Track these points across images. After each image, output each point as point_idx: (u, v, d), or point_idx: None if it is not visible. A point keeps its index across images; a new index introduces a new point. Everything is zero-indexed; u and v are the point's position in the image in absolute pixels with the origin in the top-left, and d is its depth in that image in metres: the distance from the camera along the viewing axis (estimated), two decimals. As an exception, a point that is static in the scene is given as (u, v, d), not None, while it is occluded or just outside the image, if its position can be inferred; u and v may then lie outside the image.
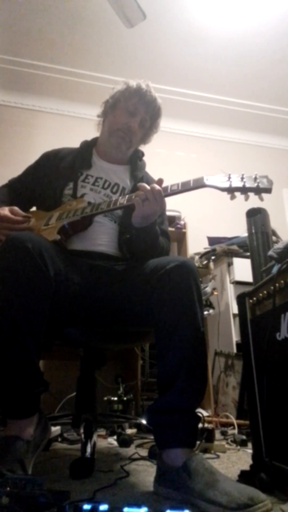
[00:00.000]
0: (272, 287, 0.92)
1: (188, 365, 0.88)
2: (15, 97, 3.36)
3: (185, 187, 1.05)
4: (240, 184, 1.00)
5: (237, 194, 1.01)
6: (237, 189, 1.00)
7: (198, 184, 1.04)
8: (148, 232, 1.13)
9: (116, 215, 1.26)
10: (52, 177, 1.32)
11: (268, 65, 3.19)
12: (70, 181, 1.29)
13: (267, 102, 3.58)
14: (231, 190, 1.00)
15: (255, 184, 0.99)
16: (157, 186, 1.05)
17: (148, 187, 1.05)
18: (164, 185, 1.08)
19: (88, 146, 1.40)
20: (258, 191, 0.99)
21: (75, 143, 1.46)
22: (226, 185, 1.01)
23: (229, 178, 1.02)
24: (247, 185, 0.99)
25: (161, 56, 3.10)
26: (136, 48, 3.04)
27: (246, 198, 1.01)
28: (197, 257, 2.79)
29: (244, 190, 1.00)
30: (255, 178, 1.00)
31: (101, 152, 1.38)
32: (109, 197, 1.28)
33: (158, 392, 0.94)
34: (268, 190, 0.99)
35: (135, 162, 1.41)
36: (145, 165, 1.46)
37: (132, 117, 1.30)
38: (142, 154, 1.46)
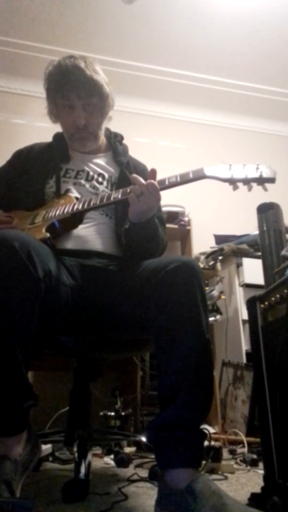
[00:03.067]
0: (286, 291, 0.92)
1: (192, 376, 0.88)
2: (0, 80, 3.36)
3: (184, 179, 1.07)
4: (242, 175, 1.03)
5: (240, 185, 1.04)
6: (239, 179, 1.03)
7: (198, 175, 1.06)
8: (147, 226, 1.14)
9: (109, 208, 1.27)
10: (29, 176, 1.34)
11: (283, 46, 3.19)
12: (50, 178, 1.31)
13: (281, 86, 3.59)
14: (233, 181, 1.03)
15: (258, 174, 1.02)
16: (151, 180, 1.06)
17: (143, 181, 1.06)
18: (162, 177, 1.09)
19: (62, 139, 1.40)
20: (261, 181, 1.02)
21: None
22: (228, 175, 1.03)
23: (230, 168, 1.04)
24: (249, 175, 1.02)
25: (163, 35, 3.10)
26: (135, 26, 3.04)
27: (249, 189, 1.04)
28: (202, 257, 2.80)
29: (246, 181, 1.03)
30: (257, 168, 1.03)
31: (74, 146, 1.38)
32: (96, 189, 1.30)
33: (159, 406, 0.93)
34: (271, 180, 1.02)
35: (115, 147, 1.42)
36: (128, 149, 1.47)
37: (73, 111, 1.27)
38: (122, 138, 1.48)
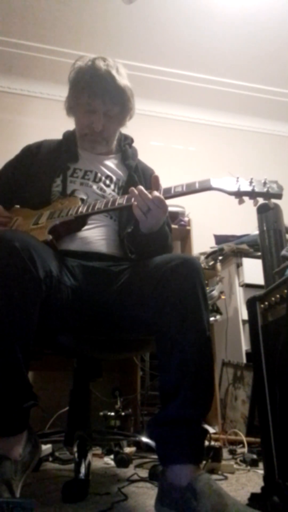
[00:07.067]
0: (285, 291, 0.92)
1: (194, 373, 0.88)
2: (0, 80, 3.36)
3: (190, 189, 1.08)
4: (249, 189, 1.04)
5: (246, 199, 1.05)
6: (246, 193, 1.04)
7: (204, 187, 1.07)
8: (158, 235, 1.16)
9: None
10: (37, 173, 1.33)
11: (282, 46, 3.18)
12: (57, 177, 1.30)
13: (281, 86, 3.59)
14: (239, 194, 1.04)
15: (265, 189, 1.03)
16: (156, 193, 1.06)
17: (149, 196, 1.06)
18: (167, 185, 1.10)
19: (72, 137, 1.39)
20: (267, 196, 1.03)
21: (69, 132, 1.46)
22: (234, 188, 1.04)
23: (237, 181, 1.06)
24: (256, 189, 1.03)
25: (163, 35, 3.10)
26: (135, 27, 3.03)
27: (255, 204, 1.05)
28: (202, 257, 2.80)
29: (253, 195, 1.04)
30: (265, 183, 1.04)
31: (84, 145, 1.38)
32: (102, 191, 1.30)
33: (160, 403, 0.94)
34: (278, 196, 1.03)
35: (125, 150, 1.42)
36: (137, 152, 1.47)
37: (92, 114, 1.27)
38: (132, 141, 1.48)
